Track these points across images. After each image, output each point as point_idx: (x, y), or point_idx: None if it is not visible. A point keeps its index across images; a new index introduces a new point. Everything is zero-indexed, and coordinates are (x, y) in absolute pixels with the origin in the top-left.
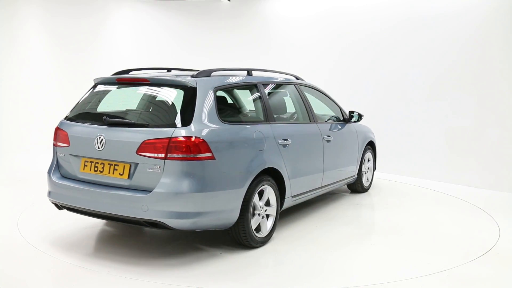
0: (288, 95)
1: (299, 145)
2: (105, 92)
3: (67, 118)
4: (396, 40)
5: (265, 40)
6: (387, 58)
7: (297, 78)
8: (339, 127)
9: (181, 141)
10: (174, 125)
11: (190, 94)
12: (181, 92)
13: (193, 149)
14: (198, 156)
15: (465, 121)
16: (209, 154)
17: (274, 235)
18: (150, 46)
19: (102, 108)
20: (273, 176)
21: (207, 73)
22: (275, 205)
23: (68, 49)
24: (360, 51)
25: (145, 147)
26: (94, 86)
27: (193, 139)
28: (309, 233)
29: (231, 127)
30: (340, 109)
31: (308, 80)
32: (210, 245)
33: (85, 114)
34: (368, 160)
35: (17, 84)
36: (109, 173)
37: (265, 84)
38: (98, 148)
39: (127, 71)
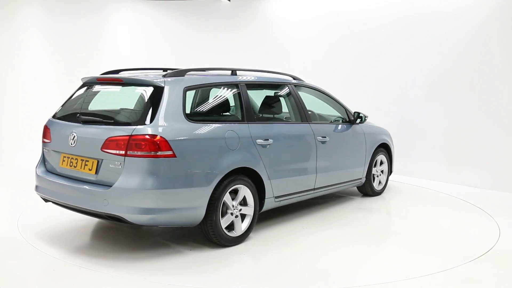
0: (278, 95)
1: (282, 146)
2: (89, 91)
3: (54, 116)
4: (396, 40)
5: (265, 40)
6: (388, 58)
7: (294, 79)
8: (341, 128)
9: (140, 139)
10: (137, 123)
11: (157, 93)
12: (150, 91)
13: (152, 147)
14: (158, 154)
15: (465, 121)
16: (169, 152)
17: (253, 235)
18: (150, 46)
19: (84, 106)
20: (253, 176)
21: (181, 73)
22: (253, 205)
23: (68, 49)
24: (361, 52)
25: (108, 144)
26: (82, 86)
27: (155, 137)
28: (293, 234)
29: (199, 126)
30: (346, 110)
31: (309, 80)
32: (180, 243)
33: (68, 112)
34: (381, 163)
35: (17, 84)
36: (81, 168)
37: (249, 85)
38: (71, 144)
39: (117, 71)
